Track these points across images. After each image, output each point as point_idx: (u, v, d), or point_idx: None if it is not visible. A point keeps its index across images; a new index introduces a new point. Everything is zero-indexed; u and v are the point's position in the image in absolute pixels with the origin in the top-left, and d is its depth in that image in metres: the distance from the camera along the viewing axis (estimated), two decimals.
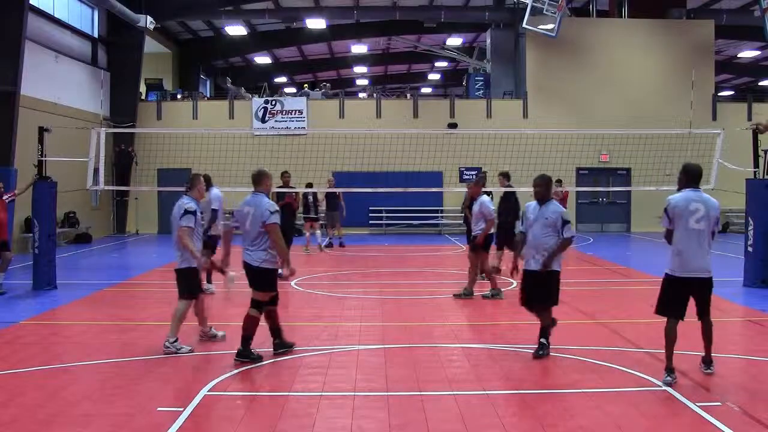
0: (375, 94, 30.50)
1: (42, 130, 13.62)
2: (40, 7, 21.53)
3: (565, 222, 8.05)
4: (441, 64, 41.75)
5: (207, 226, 12.28)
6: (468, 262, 12.77)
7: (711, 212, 7.06)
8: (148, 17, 24.97)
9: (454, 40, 34.94)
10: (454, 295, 12.29)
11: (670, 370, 7.00)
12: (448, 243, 23.39)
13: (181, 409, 6.25)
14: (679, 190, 7.26)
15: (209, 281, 12.61)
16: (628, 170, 26.39)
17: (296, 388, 7.01)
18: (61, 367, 7.89)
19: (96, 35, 25.87)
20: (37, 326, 10.16)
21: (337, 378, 7.36)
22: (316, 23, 29.95)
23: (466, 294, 12.13)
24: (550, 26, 25.22)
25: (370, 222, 27.03)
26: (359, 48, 37.38)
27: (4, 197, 12.96)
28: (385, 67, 45.86)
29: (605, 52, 27.40)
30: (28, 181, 13.99)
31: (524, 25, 25.20)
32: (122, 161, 25.65)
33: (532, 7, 24.76)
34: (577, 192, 26.01)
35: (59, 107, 21.97)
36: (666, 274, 7.19)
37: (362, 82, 47.11)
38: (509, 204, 14.55)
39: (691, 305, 7.15)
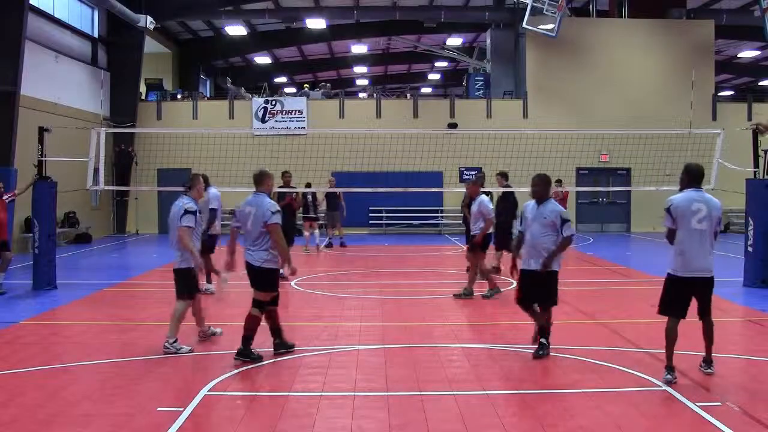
0: (375, 94, 30.50)
1: (42, 130, 13.62)
2: (40, 7, 21.53)
3: (565, 221, 8.05)
4: (441, 64, 41.75)
5: (207, 225, 12.31)
6: (467, 262, 12.78)
7: (713, 212, 7.08)
8: (148, 17, 24.97)
9: (454, 40, 34.94)
10: (454, 295, 12.29)
11: (670, 368, 7.02)
12: (448, 243, 23.39)
13: (181, 409, 6.25)
14: (680, 190, 7.28)
15: (209, 281, 12.62)
16: (628, 170, 26.39)
17: (296, 388, 7.01)
18: (61, 367, 7.89)
19: (96, 35, 25.87)
20: (37, 326, 10.16)
21: (337, 378, 7.36)
22: (316, 23, 29.95)
23: (466, 294, 12.14)
24: (550, 26, 25.22)
25: (370, 222, 27.03)
26: (359, 48, 37.38)
27: (4, 197, 12.96)
28: (385, 67, 45.86)
29: (605, 52, 27.40)
30: (28, 181, 13.99)
31: (524, 25, 25.20)
32: (122, 161, 25.65)
33: (532, 7, 24.76)
34: (577, 192, 26.01)
35: (59, 107, 21.97)
36: (668, 274, 7.20)
37: (362, 82, 47.11)
38: (507, 204, 14.55)
39: (692, 304, 7.16)
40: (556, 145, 22.00)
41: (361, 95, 39.95)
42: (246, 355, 7.85)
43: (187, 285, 8.50)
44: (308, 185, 19.33)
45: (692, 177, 7.23)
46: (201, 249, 9.53)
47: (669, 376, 6.98)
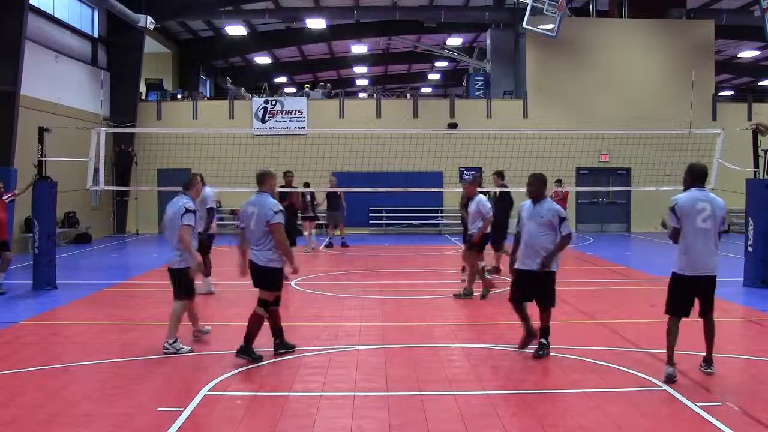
0: (375, 94, 30.51)
1: (42, 130, 13.61)
2: (40, 7, 21.53)
3: (562, 219, 8.04)
4: (441, 64, 41.74)
5: (207, 225, 12.33)
6: (467, 263, 12.80)
7: (717, 211, 7.12)
8: (148, 17, 24.97)
9: (454, 40, 34.94)
10: (454, 295, 12.29)
11: (671, 363, 7.06)
12: (448, 243, 23.39)
13: (181, 409, 6.25)
14: (684, 189, 7.31)
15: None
16: (628, 170, 26.40)
17: (296, 388, 7.01)
18: (61, 367, 7.89)
19: (96, 35, 25.87)
20: (37, 326, 10.15)
21: (337, 378, 7.36)
22: (316, 23, 29.95)
23: (466, 294, 12.13)
24: (550, 26, 25.22)
25: (370, 222, 27.04)
26: (359, 48, 37.39)
27: (4, 197, 12.96)
28: (385, 67, 45.86)
29: (605, 52, 27.41)
30: (28, 181, 13.99)
31: (524, 25, 25.21)
32: (122, 161, 25.66)
33: (532, 7, 24.77)
34: (577, 192, 26.04)
35: (59, 107, 21.97)
36: (673, 273, 7.24)
37: (362, 82, 47.11)
38: (504, 203, 14.55)
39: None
40: (556, 145, 21.99)
41: (361, 95, 39.95)
42: (247, 353, 7.84)
43: (185, 285, 8.49)
44: (306, 185, 19.34)
45: (696, 177, 7.28)
46: (199, 248, 9.55)
47: (670, 369, 7.01)
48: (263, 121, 26.81)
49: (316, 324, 10.14)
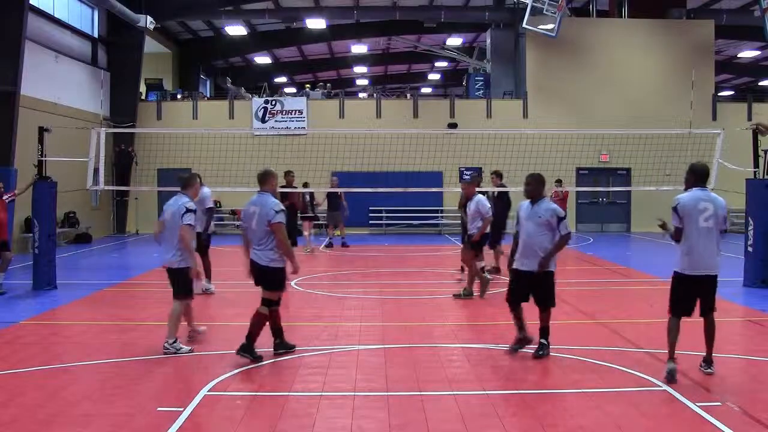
0: (375, 94, 30.51)
1: (42, 130, 13.61)
2: (40, 7, 21.53)
3: (560, 219, 8.03)
4: (441, 64, 41.74)
5: (207, 225, 12.35)
6: (466, 264, 12.80)
7: (719, 211, 7.17)
8: (148, 17, 24.97)
9: (454, 40, 34.94)
10: (453, 295, 12.29)
11: (672, 359, 7.08)
12: (448, 243, 23.38)
13: (181, 409, 6.25)
14: (686, 189, 7.34)
15: (209, 281, 12.61)
16: (628, 170, 26.40)
17: (296, 388, 7.01)
18: (61, 367, 7.89)
19: (96, 35, 25.87)
20: (37, 326, 10.15)
21: (337, 378, 7.36)
22: (316, 23, 29.95)
23: (466, 294, 12.13)
24: (550, 26, 25.22)
25: (370, 222, 27.03)
26: (359, 48, 37.38)
27: (4, 197, 12.96)
28: (385, 67, 45.86)
29: (605, 52, 27.41)
30: (28, 181, 13.99)
31: (524, 25, 25.21)
32: (122, 161, 25.65)
33: (532, 7, 24.77)
34: (577, 192, 26.03)
35: (59, 107, 21.97)
36: (675, 272, 7.26)
37: (362, 82, 47.11)
38: (502, 203, 14.58)
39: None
40: (556, 145, 21.99)
41: (361, 95, 39.96)
42: (249, 351, 7.83)
43: (185, 285, 8.48)
44: (306, 185, 19.33)
45: (698, 176, 7.33)
46: (198, 248, 9.54)
47: (672, 365, 7.03)
48: (263, 121, 26.81)
49: (316, 324, 10.14)
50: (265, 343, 8.18)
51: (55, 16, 22.87)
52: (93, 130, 14.60)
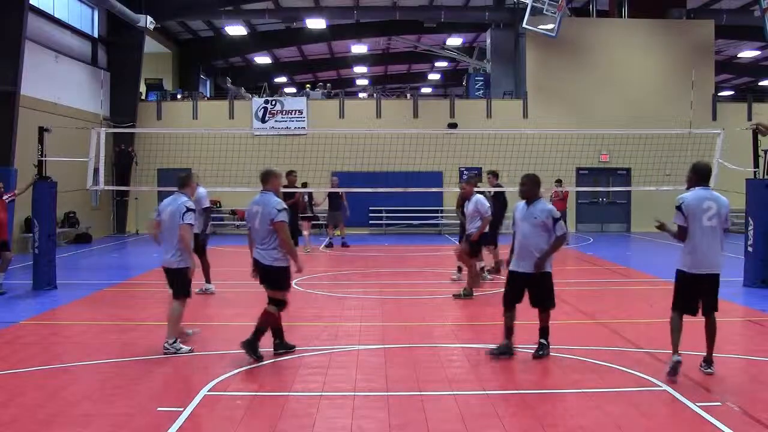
0: (375, 94, 30.51)
1: (42, 130, 13.61)
2: (40, 7, 21.52)
3: (556, 220, 8.01)
4: (441, 64, 41.74)
5: (205, 225, 12.35)
6: (464, 264, 12.81)
7: (722, 210, 7.22)
8: (148, 17, 24.97)
9: (454, 40, 34.94)
10: (453, 295, 12.29)
11: (676, 353, 7.09)
12: (448, 243, 23.37)
13: (181, 409, 6.25)
14: (688, 188, 7.38)
15: (208, 281, 12.62)
16: (628, 170, 26.40)
17: (296, 388, 7.01)
18: (61, 367, 7.89)
19: (96, 35, 25.87)
20: (37, 326, 10.15)
21: (337, 378, 7.35)
22: (316, 23, 29.95)
23: (466, 294, 12.13)
24: (550, 26, 25.22)
25: (370, 222, 27.03)
26: (359, 48, 37.38)
27: (4, 197, 12.96)
28: (385, 67, 45.86)
29: (605, 52, 27.40)
30: (28, 181, 13.99)
31: (524, 25, 25.21)
32: (122, 161, 25.65)
33: (532, 7, 24.77)
34: (577, 192, 26.03)
35: (59, 107, 21.97)
36: (678, 270, 7.28)
37: (362, 82, 47.11)
38: (498, 203, 14.61)
39: None
40: (556, 145, 21.99)
41: (361, 95, 39.96)
42: (252, 347, 7.80)
43: (184, 285, 8.47)
44: (304, 185, 19.33)
45: (701, 176, 7.37)
46: (195, 249, 9.51)
47: (677, 357, 7.04)
48: (263, 121, 26.80)
49: (316, 324, 10.14)
50: (265, 343, 8.17)
51: (55, 16, 22.87)
52: (93, 130, 14.60)
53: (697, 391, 6.77)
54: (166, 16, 27.90)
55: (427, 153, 22.66)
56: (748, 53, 36.43)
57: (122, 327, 10.12)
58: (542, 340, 8.11)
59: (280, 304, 8.05)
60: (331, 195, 20.56)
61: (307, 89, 30.12)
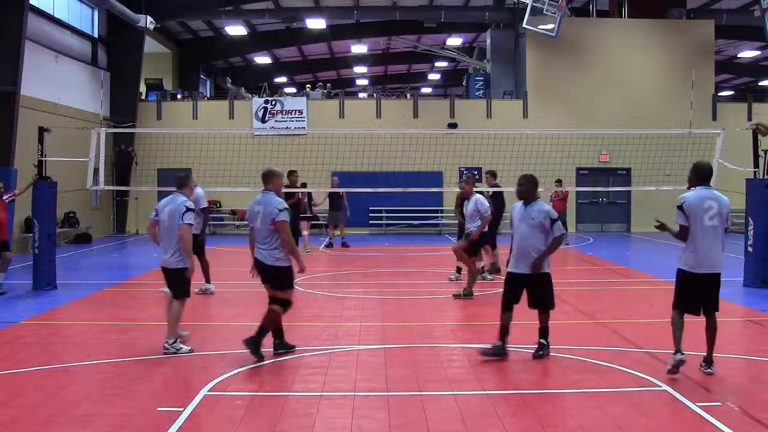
0: (375, 94, 30.51)
1: (42, 130, 13.61)
2: (40, 7, 21.52)
3: (554, 221, 8.00)
4: (441, 64, 41.74)
5: (204, 225, 12.35)
6: (464, 264, 12.80)
7: (723, 209, 7.25)
8: (148, 17, 24.97)
9: (454, 40, 34.94)
10: (453, 295, 12.29)
11: (679, 351, 7.10)
12: (448, 243, 23.36)
13: (181, 409, 6.25)
14: (689, 188, 7.40)
15: (208, 281, 12.62)
16: (628, 170, 26.40)
17: (296, 388, 7.01)
18: (61, 367, 7.89)
19: (96, 35, 25.87)
20: (37, 326, 10.15)
21: (337, 378, 7.35)
22: (316, 23, 29.95)
23: (466, 294, 12.13)
24: (550, 26, 25.22)
25: (370, 222, 27.03)
26: (359, 48, 37.38)
27: (4, 197, 12.96)
28: (385, 67, 45.86)
29: (605, 52, 27.40)
30: (28, 181, 13.99)
31: (524, 25, 25.21)
32: (122, 161, 25.65)
33: (532, 7, 24.77)
34: (577, 192, 26.03)
35: (59, 107, 21.97)
36: (680, 270, 7.30)
37: (362, 82, 47.11)
38: (496, 203, 14.62)
39: None
40: (556, 145, 22.00)
41: (361, 95, 39.96)
42: (256, 346, 7.80)
43: (184, 285, 8.46)
44: (304, 185, 19.35)
45: (702, 175, 7.40)
46: (194, 249, 9.50)
47: (679, 356, 7.05)
48: (263, 121, 26.81)
49: (316, 324, 10.14)
50: (265, 343, 8.17)
51: (55, 16, 22.87)
52: (93, 130, 14.61)
53: (697, 391, 6.77)
54: (166, 16, 27.90)
55: (427, 153, 22.67)
56: (748, 53, 36.43)
57: (122, 327, 10.13)
58: (542, 340, 8.10)
59: (285, 303, 8.05)
60: (331, 195, 20.56)
61: (307, 89, 30.12)
